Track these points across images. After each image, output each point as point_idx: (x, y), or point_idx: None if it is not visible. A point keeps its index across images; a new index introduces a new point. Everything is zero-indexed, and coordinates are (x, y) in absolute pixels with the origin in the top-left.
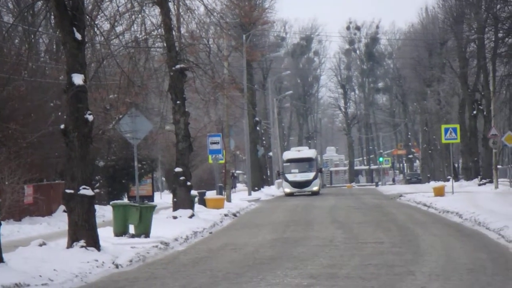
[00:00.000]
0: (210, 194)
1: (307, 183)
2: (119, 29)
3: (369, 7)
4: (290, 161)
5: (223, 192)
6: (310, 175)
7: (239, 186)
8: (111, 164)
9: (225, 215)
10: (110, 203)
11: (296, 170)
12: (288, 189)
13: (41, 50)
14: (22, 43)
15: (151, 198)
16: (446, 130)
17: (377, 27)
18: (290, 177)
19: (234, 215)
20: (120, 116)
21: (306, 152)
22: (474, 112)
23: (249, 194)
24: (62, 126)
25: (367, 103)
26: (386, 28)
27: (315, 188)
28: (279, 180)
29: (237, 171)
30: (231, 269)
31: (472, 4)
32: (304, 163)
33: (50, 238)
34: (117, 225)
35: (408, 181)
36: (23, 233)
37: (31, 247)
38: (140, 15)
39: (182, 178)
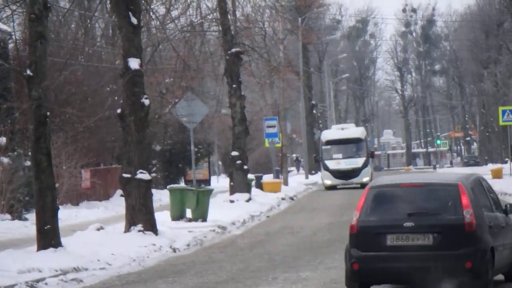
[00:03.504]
0: (267, 178)
1: (355, 172)
2: (174, 13)
3: None
4: (331, 142)
5: (280, 176)
6: (358, 162)
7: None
8: (167, 148)
9: (282, 198)
10: (167, 187)
11: (340, 155)
12: (328, 181)
13: (97, 35)
14: (79, 28)
15: (207, 182)
16: (504, 112)
17: (433, 9)
18: (331, 164)
19: (291, 198)
20: (176, 100)
21: (352, 131)
22: None
23: (306, 177)
24: (119, 111)
25: (423, 85)
26: (442, 10)
27: (365, 179)
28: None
29: (294, 155)
30: (289, 253)
31: None
32: (350, 145)
33: (108, 222)
34: (174, 209)
35: (466, 164)
36: (81, 218)
37: (88, 231)
38: None
39: (238, 161)
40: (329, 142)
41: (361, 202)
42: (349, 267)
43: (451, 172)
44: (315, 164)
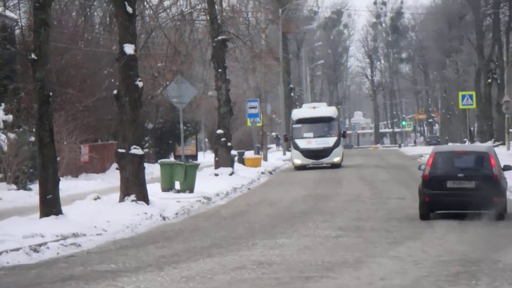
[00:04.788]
0: (249, 154)
1: (325, 151)
2: (166, 3)
3: None
4: (302, 121)
5: (260, 152)
6: (329, 141)
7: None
8: (159, 126)
9: (262, 173)
10: (158, 161)
11: (311, 134)
12: (298, 161)
13: (95, 23)
14: (79, 16)
15: (195, 157)
16: (463, 96)
17: (402, 2)
18: (301, 143)
19: (270, 173)
20: (167, 83)
21: (323, 110)
22: (489, 80)
23: (284, 154)
24: (115, 92)
25: (391, 71)
26: (410, 3)
27: (336, 159)
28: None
29: (274, 133)
30: (267, 222)
31: None
32: (321, 124)
33: (104, 193)
34: (164, 182)
35: (428, 143)
36: (80, 188)
37: (86, 200)
38: None
39: (223, 139)
40: (300, 121)
41: (430, 161)
42: (422, 200)
43: (481, 145)
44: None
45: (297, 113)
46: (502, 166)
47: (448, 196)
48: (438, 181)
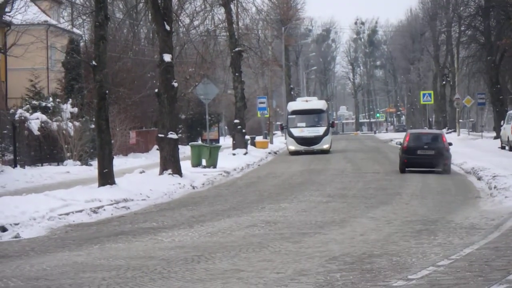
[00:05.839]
0: (259, 138)
1: (316, 139)
2: (196, 22)
3: (371, 9)
4: (296, 112)
5: (267, 137)
6: (320, 130)
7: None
8: (189, 117)
9: (269, 153)
10: (189, 144)
11: (303, 124)
12: (292, 147)
13: (142, 37)
14: (129, 32)
15: (217, 140)
16: (424, 95)
17: (376, 22)
18: (295, 132)
19: (275, 153)
20: (196, 84)
21: (315, 103)
22: (444, 82)
23: (285, 138)
24: (156, 90)
25: (368, 75)
26: (382, 23)
27: (325, 146)
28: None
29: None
30: (273, 190)
31: (442, 6)
32: (312, 115)
33: (147, 168)
34: (193, 159)
35: (397, 130)
36: (129, 164)
37: (134, 174)
38: (210, 13)
39: (239, 127)
40: (294, 112)
41: (407, 138)
42: (402, 161)
43: (436, 130)
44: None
45: (292, 105)
46: (448, 142)
47: (418, 159)
48: (412, 150)
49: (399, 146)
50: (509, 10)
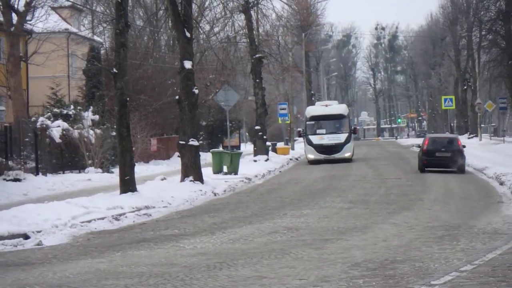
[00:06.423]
0: (280, 145)
1: (337, 147)
2: (216, 29)
3: (391, 14)
4: (315, 118)
5: (289, 143)
6: (341, 137)
7: None
8: (210, 124)
9: (290, 159)
10: (210, 150)
11: (323, 131)
12: (312, 155)
13: (162, 44)
14: (149, 39)
15: (238, 147)
16: (445, 99)
17: (397, 27)
18: (314, 139)
19: (296, 159)
20: (217, 90)
21: (335, 107)
22: (465, 87)
23: (304, 146)
24: (177, 97)
25: (389, 81)
26: (403, 28)
27: (347, 154)
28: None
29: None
30: (294, 196)
31: (463, 10)
32: (333, 121)
33: (169, 174)
34: (215, 166)
35: (418, 136)
36: (150, 171)
37: (155, 180)
38: (230, 20)
39: (260, 133)
40: (313, 118)
41: (426, 142)
42: (422, 162)
43: (453, 135)
44: None
45: (310, 111)
46: (463, 145)
47: (436, 160)
48: (431, 152)
49: (418, 149)
50: None
